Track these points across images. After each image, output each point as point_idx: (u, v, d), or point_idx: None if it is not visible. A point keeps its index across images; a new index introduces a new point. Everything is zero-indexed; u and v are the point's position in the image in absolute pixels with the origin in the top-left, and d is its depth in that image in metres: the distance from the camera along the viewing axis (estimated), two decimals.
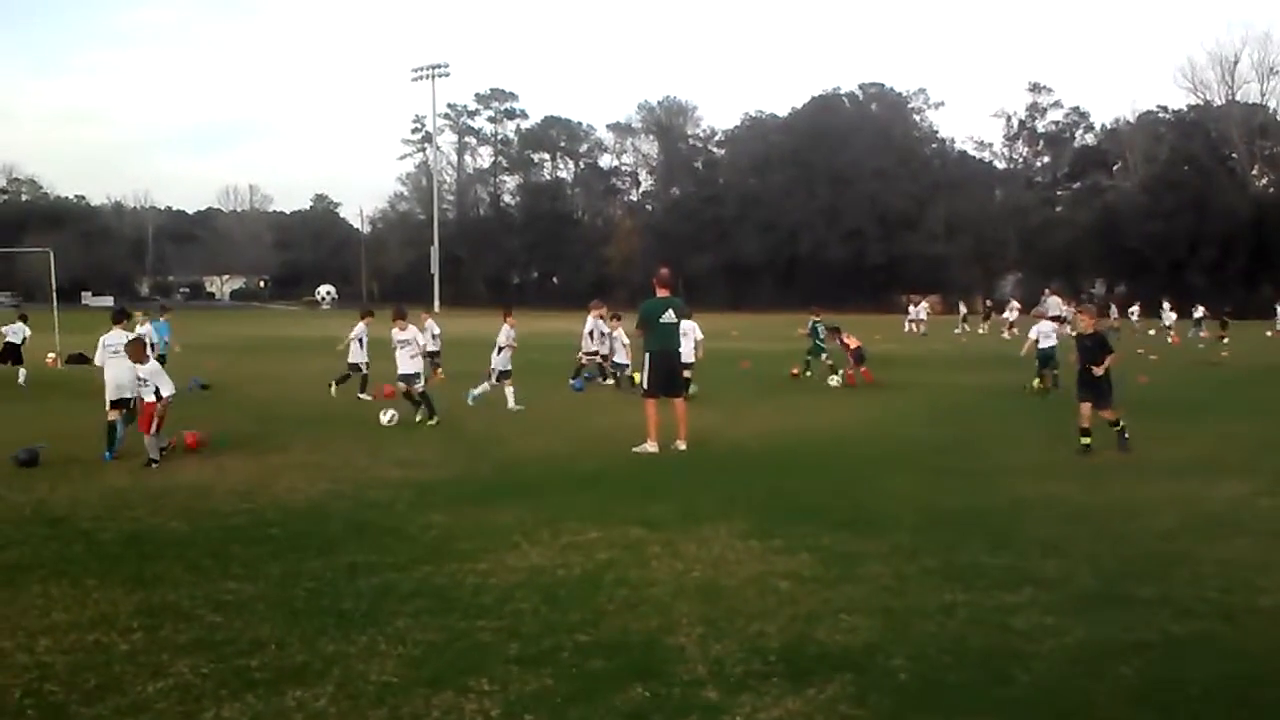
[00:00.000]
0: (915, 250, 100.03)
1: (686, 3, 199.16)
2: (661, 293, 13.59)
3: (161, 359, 16.21)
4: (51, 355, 27.08)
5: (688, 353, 17.36)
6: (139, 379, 12.05)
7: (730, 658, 5.45)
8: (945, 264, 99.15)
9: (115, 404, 12.52)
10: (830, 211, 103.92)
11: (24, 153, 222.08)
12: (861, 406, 18.07)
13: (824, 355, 22.94)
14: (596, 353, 21.53)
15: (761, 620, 6.08)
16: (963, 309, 59.22)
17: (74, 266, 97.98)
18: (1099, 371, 12.71)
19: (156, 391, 11.83)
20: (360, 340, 19.46)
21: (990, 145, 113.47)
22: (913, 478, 11.12)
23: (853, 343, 22.06)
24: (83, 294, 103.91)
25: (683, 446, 12.93)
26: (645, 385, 13.36)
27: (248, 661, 5.37)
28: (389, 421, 15.29)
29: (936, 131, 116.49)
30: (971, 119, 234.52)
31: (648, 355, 13.28)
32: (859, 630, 5.92)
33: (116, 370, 12.65)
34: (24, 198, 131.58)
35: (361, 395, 18.78)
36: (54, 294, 33.35)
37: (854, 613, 6.23)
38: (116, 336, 13.17)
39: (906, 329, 49.91)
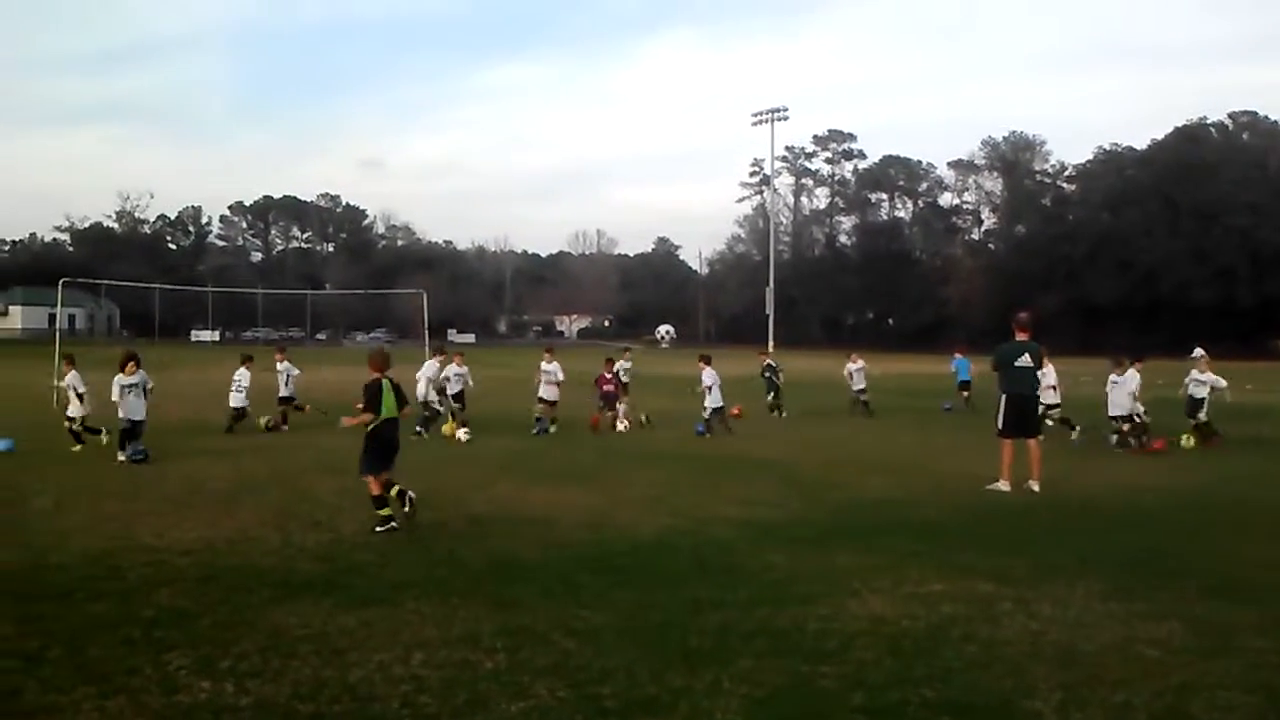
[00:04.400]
0: None
1: (1034, 36, 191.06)
2: (1020, 336, 13.56)
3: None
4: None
5: (1049, 396, 18.26)
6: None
7: None
8: None
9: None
10: (1195, 250, 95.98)
11: (399, 201, 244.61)
12: (1231, 465, 16.46)
13: (772, 394, 24.74)
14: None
15: (1126, 689, 5.64)
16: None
17: (441, 306, 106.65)
18: None
19: None
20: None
21: None
22: None
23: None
24: (449, 331, 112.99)
25: (1036, 487, 12.99)
26: (1000, 426, 13.45)
27: (600, 689, 5.57)
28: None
29: None
30: None
31: (1004, 397, 13.44)
32: (1237, 708, 5.39)
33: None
34: (399, 243, 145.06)
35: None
36: (426, 331, 36.50)
37: (1231, 688, 5.65)
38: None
39: None
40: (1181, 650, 6.37)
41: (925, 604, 7.39)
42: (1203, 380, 19.00)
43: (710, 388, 20.17)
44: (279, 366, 21.13)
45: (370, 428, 10.33)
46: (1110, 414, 18.51)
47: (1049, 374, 18.05)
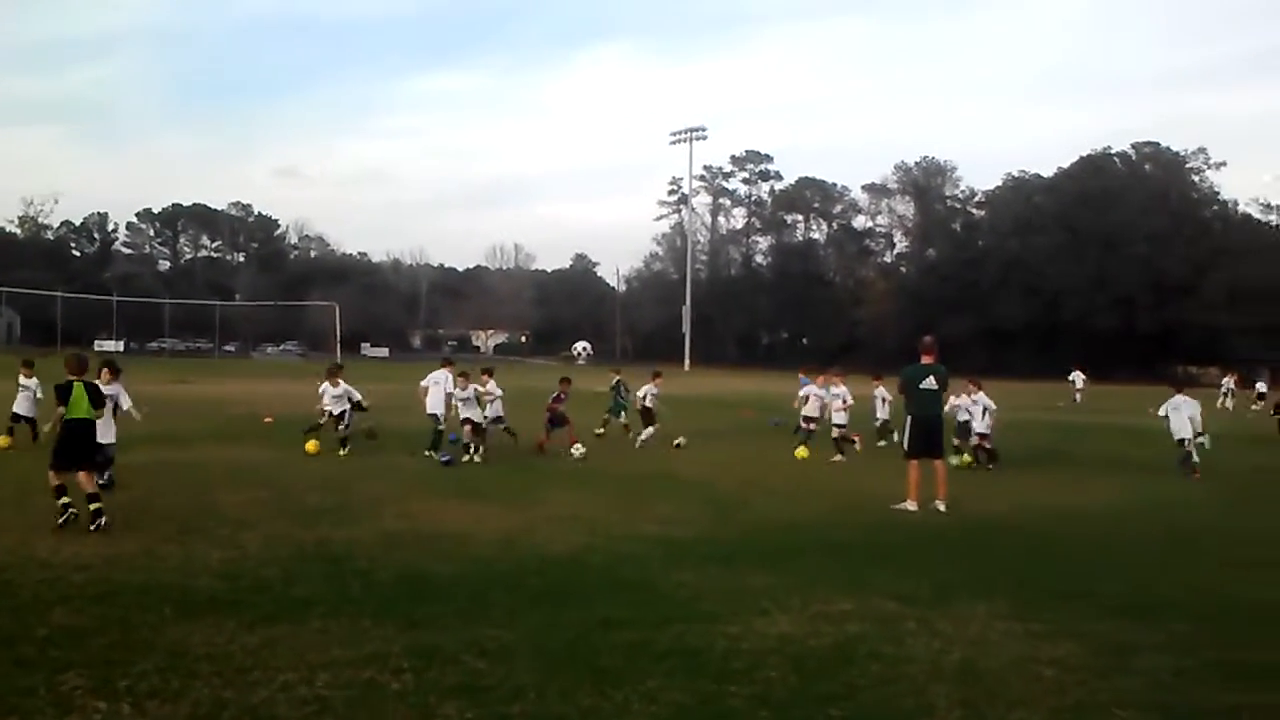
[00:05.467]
0: (1192, 319, 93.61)
1: (945, 63, 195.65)
2: (925, 359, 13.91)
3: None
4: None
5: (981, 424, 19.03)
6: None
7: None
8: (1225, 335, 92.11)
9: None
10: (1098, 276, 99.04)
11: (314, 211, 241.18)
12: (1138, 486, 16.99)
13: (623, 414, 23.32)
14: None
15: (1025, 708, 5.79)
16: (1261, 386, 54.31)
17: (355, 319, 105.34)
18: None
19: None
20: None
21: (1279, 207, 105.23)
22: (1194, 563, 10.37)
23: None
24: (361, 345, 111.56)
25: (942, 507, 13.26)
26: (906, 447, 13.88)
27: (509, 709, 5.54)
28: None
29: (1218, 193, 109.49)
30: (1256, 179, 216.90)
31: (909, 419, 13.84)
32: None
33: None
34: (312, 254, 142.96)
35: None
36: (338, 344, 36.08)
37: (1127, 707, 5.84)
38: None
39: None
40: (1080, 669, 6.55)
41: (832, 623, 7.50)
42: (975, 402, 19.64)
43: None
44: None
45: (59, 425, 10.74)
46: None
47: (982, 400, 19.25)
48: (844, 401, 20.26)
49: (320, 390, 18.87)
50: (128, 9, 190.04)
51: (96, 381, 12.09)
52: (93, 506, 10.28)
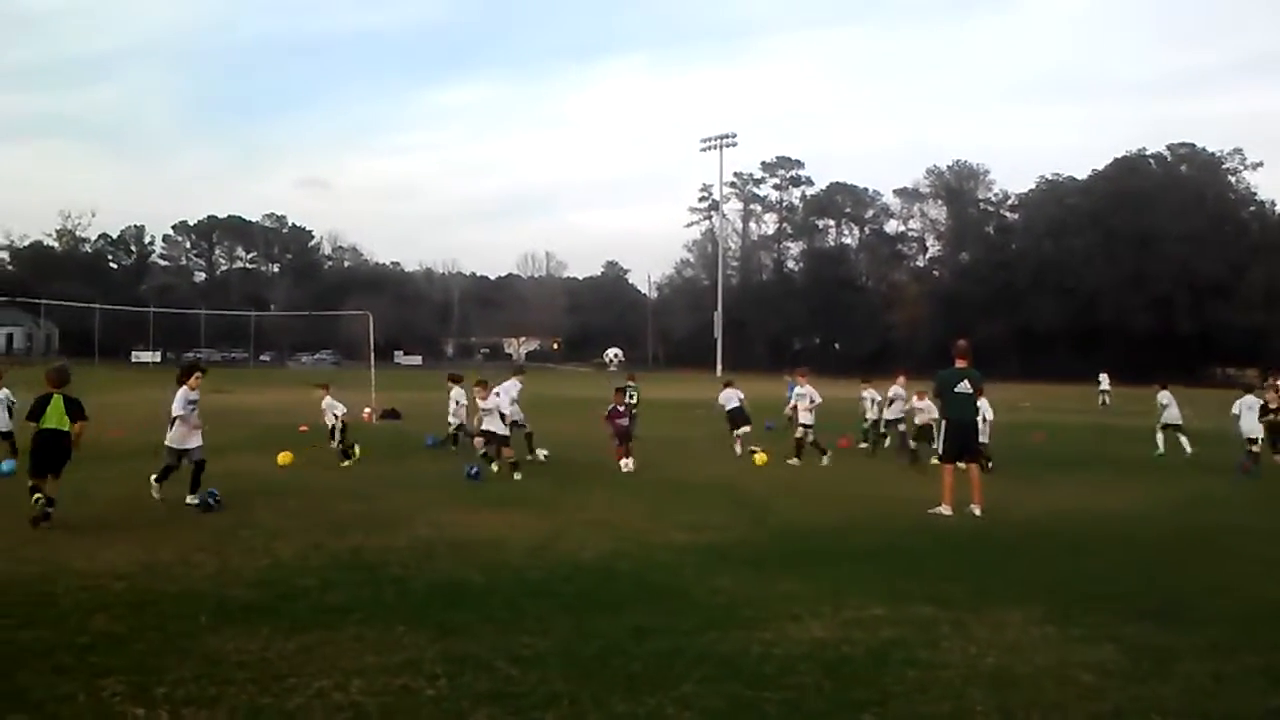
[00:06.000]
0: (1231, 320, 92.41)
1: (978, 67, 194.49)
2: (960, 363, 13.83)
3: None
4: (368, 410, 29.25)
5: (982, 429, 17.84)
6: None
7: None
8: (1266, 334, 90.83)
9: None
10: (1134, 278, 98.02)
11: (347, 222, 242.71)
12: (1172, 487, 16.79)
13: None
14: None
15: (1062, 713, 5.74)
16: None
17: (388, 328, 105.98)
18: None
19: None
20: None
21: None
22: (1232, 566, 10.23)
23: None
24: (395, 353, 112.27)
25: (978, 511, 13.16)
26: (941, 451, 13.85)
27: (542, 715, 5.55)
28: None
29: (1254, 193, 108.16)
30: None
31: (944, 422, 13.87)
32: None
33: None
34: (346, 264, 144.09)
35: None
36: (372, 353, 36.29)
37: (1166, 714, 5.76)
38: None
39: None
40: (1117, 674, 6.48)
41: (866, 628, 7.46)
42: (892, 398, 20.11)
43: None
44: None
45: (35, 433, 11.44)
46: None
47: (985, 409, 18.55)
48: (810, 401, 19.62)
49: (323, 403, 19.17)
50: (159, 25, 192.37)
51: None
52: (48, 510, 11.08)
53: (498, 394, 17.79)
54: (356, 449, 18.29)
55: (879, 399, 22.08)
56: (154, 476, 13.09)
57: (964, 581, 9.16)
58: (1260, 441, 19.47)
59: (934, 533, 12.04)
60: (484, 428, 17.40)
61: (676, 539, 11.16)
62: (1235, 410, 19.90)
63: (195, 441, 13.26)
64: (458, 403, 20.93)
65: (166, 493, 12.91)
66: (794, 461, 18.91)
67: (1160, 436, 23.08)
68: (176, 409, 13.19)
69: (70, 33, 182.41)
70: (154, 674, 6.10)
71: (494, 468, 16.88)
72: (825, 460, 19.10)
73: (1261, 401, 20.16)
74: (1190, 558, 10.80)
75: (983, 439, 18.02)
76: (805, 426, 19.54)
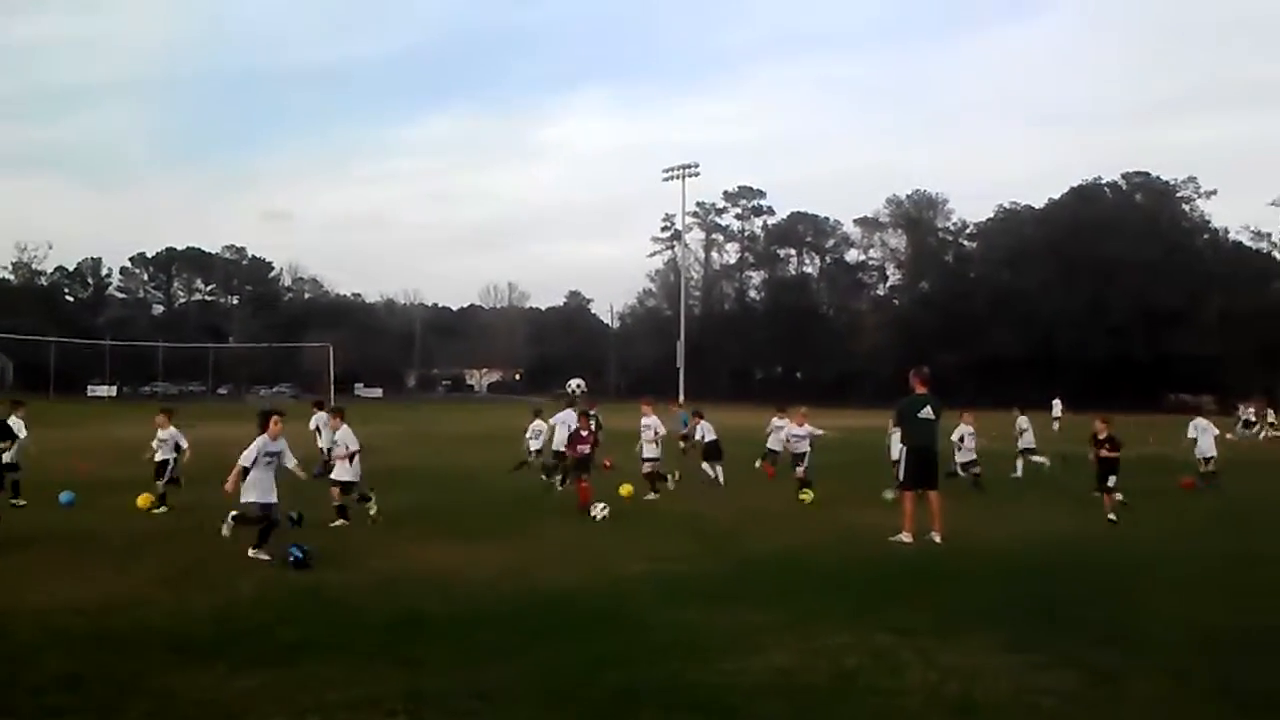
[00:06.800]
0: (1185, 348, 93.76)
1: (934, 97, 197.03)
2: (920, 390, 14.00)
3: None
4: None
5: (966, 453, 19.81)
6: None
7: None
8: (1220, 361, 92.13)
9: None
10: (1092, 306, 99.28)
11: (308, 255, 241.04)
12: (1138, 516, 16.94)
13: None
14: None
15: None
16: (1243, 411, 54.18)
17: (349, 360, 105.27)
18: None
19: None
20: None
21: (1269, 235, 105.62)
22: (1187, 593, 10.34)
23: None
24: (355, 385, 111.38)
25: (938, 539, 13.23)
26: (902, 478, 13.94)
27: None
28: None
29: (1208, 220, 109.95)
30: (1248, 208, 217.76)
31: (905, 450, 13.92)
32: None
33: None
34: (306, 295, 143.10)
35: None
36: (332, 385, 36.03)
37: None
38: None
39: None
40: (1075, 698, 6.54)
41: (828, 657, 7.47)
42: (800, 434, 19.79)
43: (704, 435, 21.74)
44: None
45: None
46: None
47: (806, 430, 19.75)
48: (655, 433, 19.18)
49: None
50: (120, 57, 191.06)
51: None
52: None
53: (551, 424, 20.39)
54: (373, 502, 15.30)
55: (806, 433, 21.02)
56: (251, 549, 11.57)
57: (926, 609, 9.21)
58: (1214, 461, 20.68)
59: (896, 561, 12.10)
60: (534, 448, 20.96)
61: (639, 569, 11.15)
62: (1191, 433, 21.03)
63: (273, 496, 12.06)
64: (536, 433, 22.21)
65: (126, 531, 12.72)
66: (652, 496, 18.38)
67: (1019, 462, 23.77)
68: (248, 459, 11.94)
69: (27, 65, 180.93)
70: (109, 713, 6.01)
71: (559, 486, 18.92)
72: (653, 494, 18.47)
73: (1212, 426, 21.41)
74: (1143, 583, 10.89)
75: (971, 456, 20.29)
76: (649, 460, 19.07)
